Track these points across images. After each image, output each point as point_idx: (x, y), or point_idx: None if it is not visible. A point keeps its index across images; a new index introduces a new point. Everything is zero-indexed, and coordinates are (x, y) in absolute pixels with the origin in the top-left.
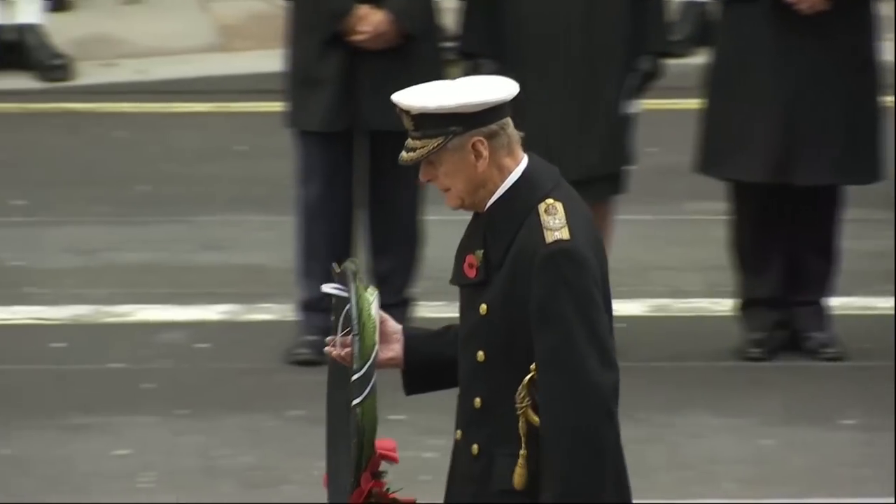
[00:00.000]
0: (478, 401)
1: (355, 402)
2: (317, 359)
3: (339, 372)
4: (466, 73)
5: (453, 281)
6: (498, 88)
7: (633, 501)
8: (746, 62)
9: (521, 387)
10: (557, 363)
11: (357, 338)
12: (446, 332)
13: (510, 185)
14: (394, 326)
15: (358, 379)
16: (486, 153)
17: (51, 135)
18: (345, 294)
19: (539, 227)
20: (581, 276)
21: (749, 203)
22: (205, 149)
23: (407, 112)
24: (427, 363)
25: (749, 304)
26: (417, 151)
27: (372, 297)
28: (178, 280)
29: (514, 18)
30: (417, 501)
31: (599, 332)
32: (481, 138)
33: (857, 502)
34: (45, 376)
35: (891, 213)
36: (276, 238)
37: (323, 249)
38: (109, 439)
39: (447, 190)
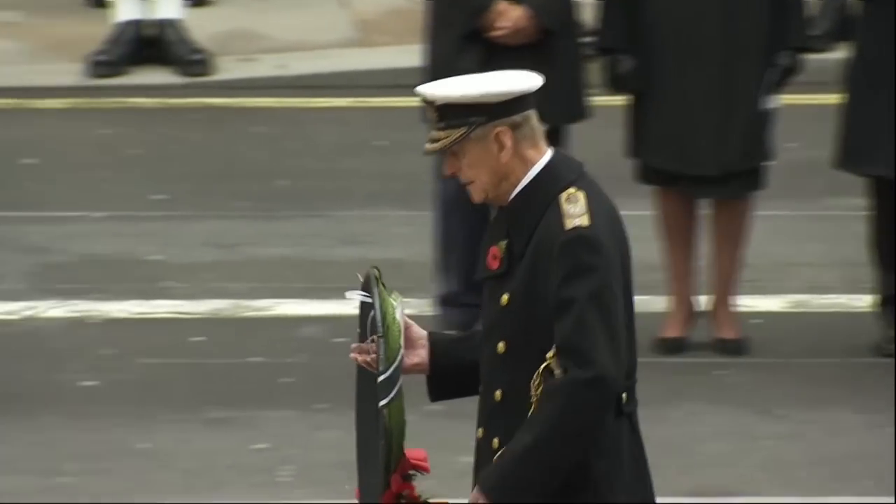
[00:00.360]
0: (498, 393)
1: (382, 403)
2: None
3: (366, 380)
4: (604, 69)
5: (478, 276)
6: (521, 80)
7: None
8: (886, 57)
9: (535, 375)
10: (567, 349)
11: (382, 340)
12: (471, 336)
13: (533, 176)
14: (419, 332)
15: (384, 380)
16: (509, 144)
17: (191, 130)
18: (369, 300)
19: (559, 216)
20: (597, 263)
21: (888, 199)
22: (344, 144)
23: (431, 103)
24: (453, 368)
25: (888, 301)
26: (441, 142)
27: (396, 301)
28: (317, 274)
29: (653, 14)
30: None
31: (611, 320)
32: (504, 128)
33: None
34: (185, 370)
35: None
36: (414, 233)
37: (460, 244)
38: (249, 433)
39: (471, 182)
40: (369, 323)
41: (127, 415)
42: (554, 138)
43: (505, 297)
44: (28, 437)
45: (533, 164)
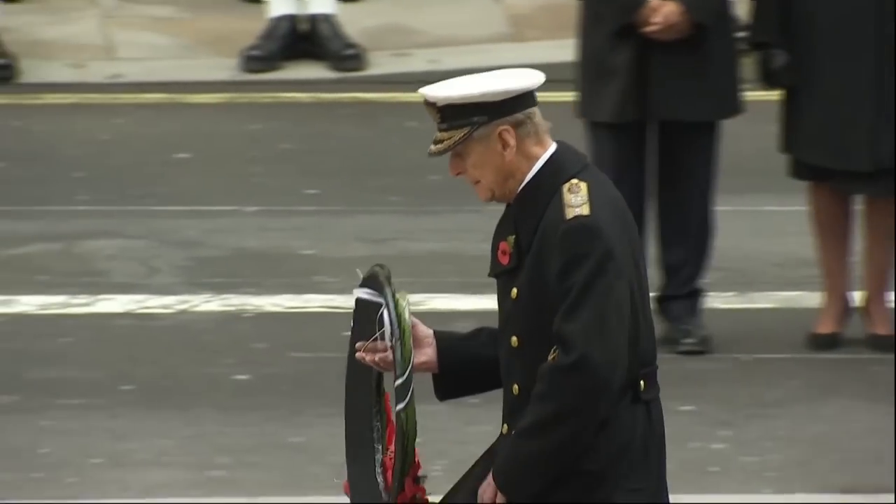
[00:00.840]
0: (515, 387)
1: (399, 407)
2: None
3: (359, 376)
4: (757, 64)
5: (491, 273)
6: (523, 78)
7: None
8: None
9: (542, 366)
10: (557, 336)
11: (399, 343)
12: (479, 333)
13: (537, 170)
14: (425, 331)
15: (401, 385)
16: (512, 142)
17: (343, 125)
18: (378, 299)
19: (562, 206)
20: (595, 250)
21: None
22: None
23: (433, 104)
24: (459, 366)
25: None
26: (444, 143)
27: (404, 301)
28: (469, 269)
29: (806, 8)
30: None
31: (606, 306)
32: (507, 127)
33: None
34: (337, 365)
35: None
36: None
37: None
38: None
39: (477, 182)
40: (377, 321)
41: (279, 408)
42: (708, 133)
43: (514, 291)
44: (181, 431)
45: (537, 159)
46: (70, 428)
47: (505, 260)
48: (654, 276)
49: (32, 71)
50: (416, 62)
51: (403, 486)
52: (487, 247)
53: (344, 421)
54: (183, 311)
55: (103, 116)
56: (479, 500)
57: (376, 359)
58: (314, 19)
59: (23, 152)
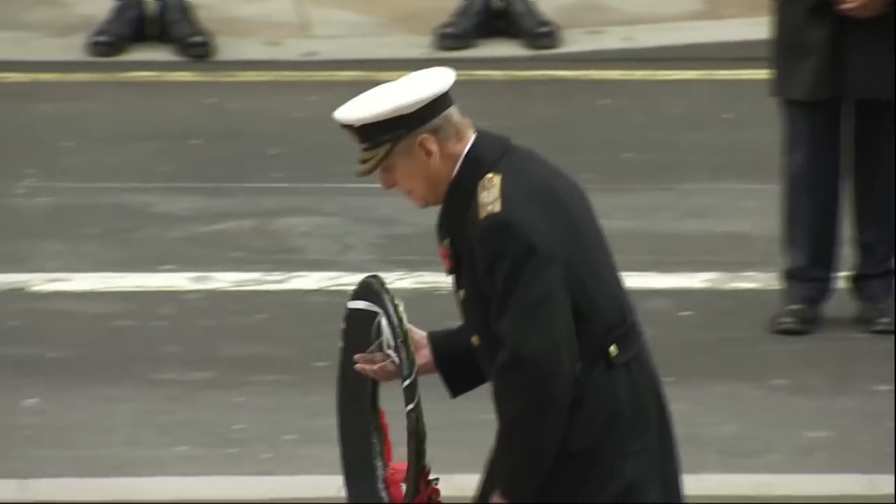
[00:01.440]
0: (490, 385)
1: (409, 408)
2: (801, 328)
3: (353, 393)
4: None
5: (448, 273)
6: (432, 83)
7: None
8: None
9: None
10: (499, 335)
11: (403, 345)
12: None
13: (457, 169)
14: (419, 333)
15: (409, 385)
16: (435, 148)
17: (537, 102)
18: (374, 309)
19: (476, 208)
20: (511, 247)
21: None
22: (690, 116)
23: (350, 126)
24: (459, 363)
25: None
26: (369, 163)
27: (401, 306)
28: (662, 248)
29: None
30: None
31: (535, 301)
32: (427, 135)
33: None
34: None
35: None
36: (760, 207)
37: (807, 219)
38: None
39: (410, 192)
40: (373, 331)
41: None
42: None
43: (463, 293)
44: None
45: (458, 157)
46: (264, 404)
47: (447, 264)
48: (848, 255)
49: (228, 49)
50: (611, 40)
51: (419, 488)
52: (681, 225)
53: (339, 442)
54: None
55: (298, 94)
56: None
57: (375, 368)
58: None
59: (218, 130)
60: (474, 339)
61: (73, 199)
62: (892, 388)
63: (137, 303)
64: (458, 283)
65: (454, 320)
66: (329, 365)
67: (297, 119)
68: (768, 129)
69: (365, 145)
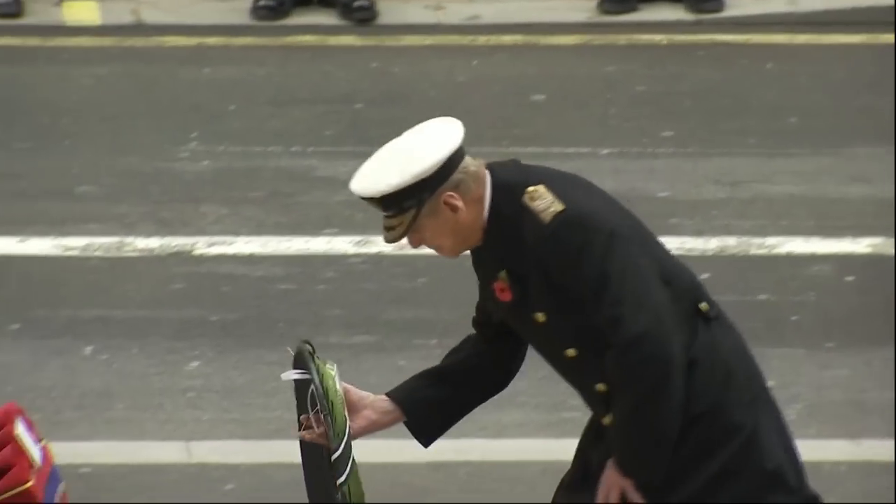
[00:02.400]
0: (600, 386)
1: (340, 480)
2: None
3: (315, 451)
4: None
5: (499, 314)
6: (445, 140)
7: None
8: None
9: (607, 358)
10: (608, 323)
11: (329, 417)
12: (441, 371)
13: (489, 207)
14: (358, 394)
15: (338, 458)
16: (460, 203)
17: (700, 66)
18: (307, 377)
19: (535, 217)
20: (592, 236)
21: None
22: (855, 80)
23: (371, 198)
24: (430, 407)
25: None
26: (397, 230)
27: (333, 370)
28: (827, 212)
29: None
30: None
31: (633, 279)
32: (450, 192)
33: None
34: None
35: None
36: None
37: None
38: None
39: (439, 247)
40: (308, 398)
41: None
42: None
43: (540, 316)
44: (536, 372)
45: (484, 199)
46: (425, 367)
47: (507, 296)
48: None
49: (391, 13)
50: (776, 3)
51: None
52: (846, 190)
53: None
54: None
55: (461, 58)
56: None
57: (316, 434)
58: None
59: (380, 94)
60: (569, 353)
61: (236, 162)
62: None
63: (300, 266)
64: (527, 311)
65: None
66: None
67: (460, 83)
68: None
69: (389, 213)
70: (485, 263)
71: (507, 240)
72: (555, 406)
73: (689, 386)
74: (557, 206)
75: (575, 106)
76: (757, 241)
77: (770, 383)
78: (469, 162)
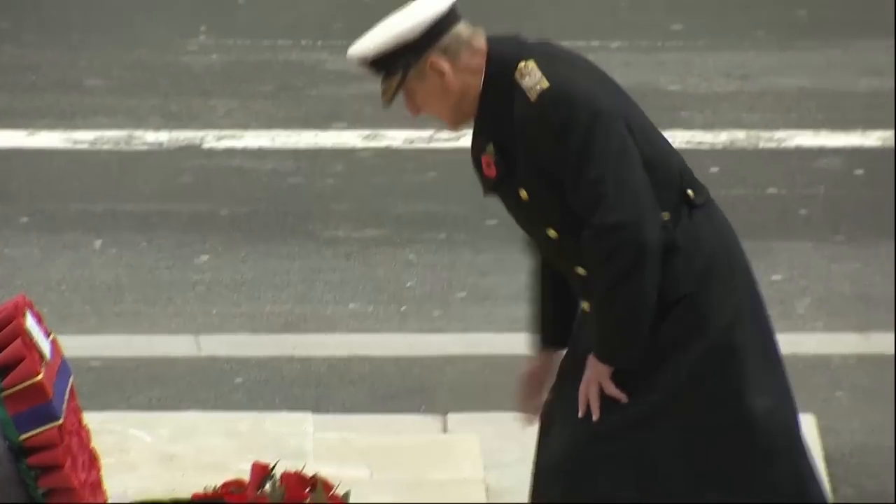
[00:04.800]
0: (580, 270)
1: None
2: None
3: None
4: None
5: (485, 191)
6: (430, 6)
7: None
8: None
9: (583, 236)
10: (585, 202)
11: None
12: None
13: (484, 77)
14: (545, 373)
15: None
16: (446, 67)
17: None
18: None
19: (523, 93)
20: (576, 114)
21: None
22: None
23: (363, 62)
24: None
25: None
26: (387, 93)
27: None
28: (837, 106)
29: None
30: None
31: (615, 160)
32: (436, 56)
33: None
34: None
35: None
36: None
37: None
38: (766, 263)
39: (438, 115)
40: None
41: None
42: None
43: (523, 193)
44: None
45: (480, 68)
46: (435, 261)
47: (492, 172)
48: None
49: None
50: None
51: None
52: (856, 83)
53: None
54: None
55: None
56: (581, 398)
57: None
58: None
59: None
60: (551, 233)
61: (246, 56)
62: None
63: (309, 160)
64: (511, 188)
65: None
66: (499, 223)
67: None
68: None
69: (381, 76)
70: (476, 137)
71: (496, 114)
72: None
73: (668, 271)
74: (544, 84)
75: None
76: (766, 134)
77: (778, 276)
78: (463, 30)
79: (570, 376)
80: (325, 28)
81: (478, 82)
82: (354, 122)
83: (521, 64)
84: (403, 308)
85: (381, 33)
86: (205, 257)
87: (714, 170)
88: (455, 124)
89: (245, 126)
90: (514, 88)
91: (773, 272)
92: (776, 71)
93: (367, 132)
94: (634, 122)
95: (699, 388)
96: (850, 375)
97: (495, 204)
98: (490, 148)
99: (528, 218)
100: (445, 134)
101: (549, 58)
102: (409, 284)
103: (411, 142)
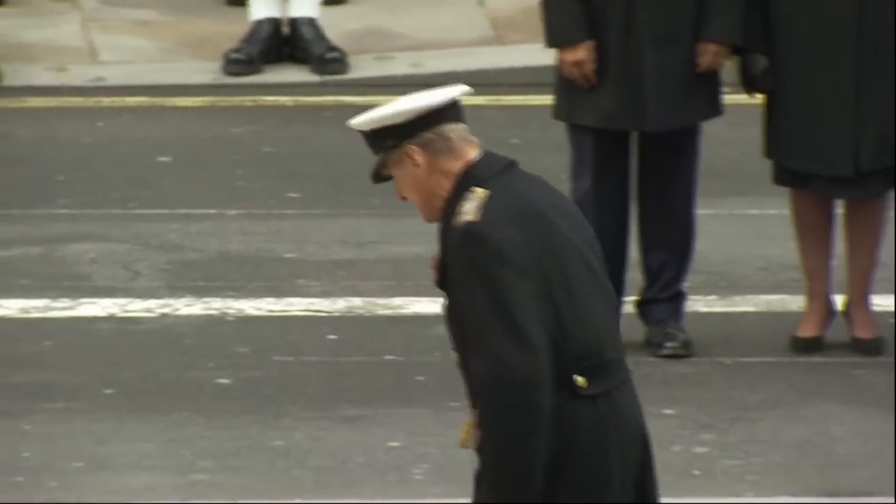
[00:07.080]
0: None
1: None
2: None
3: None
4: (738, 69)
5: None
6: (427, 98)
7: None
8: None
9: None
10: (472, 347)
11: None
12: None
13: (453, 184)
14: None
15: None
16: (421, 161)
17: (325, 128)
18: None
19: (457, 217)
20: (482, 256)
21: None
22: (480, 141)
23: (358, 130)
24: None
25: None
26: (373, 168)
27: None
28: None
29: (784, 12)
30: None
31: (511, 311)
32: (414, 147)
33: None
34: (320, 368)
35: None
36: None
37: None
38: (383, 431)
39: (416, 203)
40: None
41: (261, 412)
42: (690, 136)
43: (445, 306)
44: (163, 435)
45: (454, 174)
46: (52, 432)
47: (436, 276)
48: (635, 279)
49: (14, 75)
50: (399, 66)
51: None
52: None
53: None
54: (165, 315)
55: (85, 120)
56: None
57: None
58: (296, 22)
59: (4, 156)
60: (454, 356)
61: None
62: (677, 412)
63: None
64: (444, 297)
65: (244, 345)
66: (116, 392)
67: (85, 145)
68: (556, 153)
69: (372, 150)
70: (440, 234)
71: (447, 224)
72: (181, 469)
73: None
74: (473, 216)
75: (201, 167)
76: (383, 301)
77: (395, 443)
78: (454, 132)
79: (476, 489)
80: None
81: (448, 186)
82: None
83: (474, 189)
84: (19, 479)
85: (379, 110)
86: None
87: (332, 337)
88: (426, 217)
89: None
90: (460, 208)
91: (391, 439)
92: (392, 239)
93: None
94: (555, 291)
95: None
96: None
97: (114, 372)
98: (436, 253)
99: (447, 329)
100: (62, 303)
101: (503, 195)
102: (25, 455)
103: (27, 311)
